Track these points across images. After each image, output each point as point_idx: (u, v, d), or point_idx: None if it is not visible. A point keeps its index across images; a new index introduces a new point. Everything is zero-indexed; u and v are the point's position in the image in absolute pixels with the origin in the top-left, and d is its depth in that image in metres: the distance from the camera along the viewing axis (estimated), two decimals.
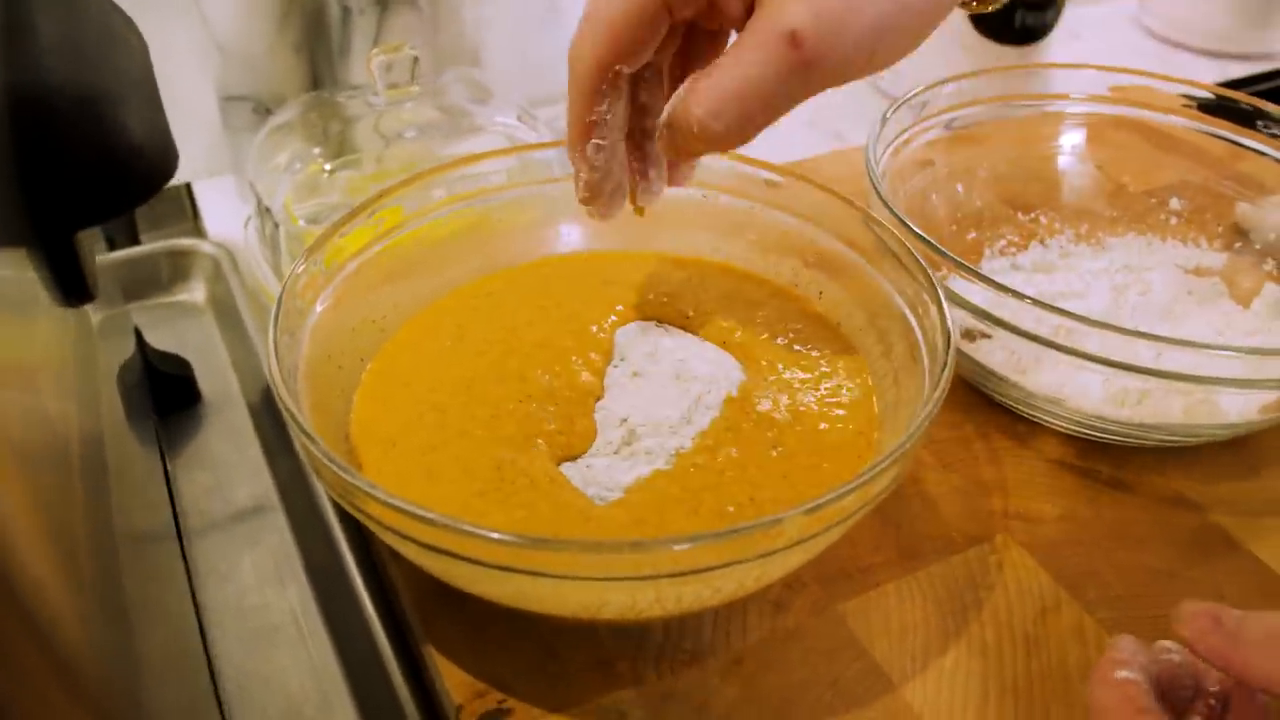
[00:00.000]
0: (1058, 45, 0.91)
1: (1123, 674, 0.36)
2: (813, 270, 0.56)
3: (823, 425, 0.49)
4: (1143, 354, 0.49)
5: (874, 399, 0.51)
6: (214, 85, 0.75)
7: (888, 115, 0.61)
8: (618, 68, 0.44)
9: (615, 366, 0.52)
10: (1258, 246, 0.65)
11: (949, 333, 0.46)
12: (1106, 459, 0.55)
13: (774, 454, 0.47)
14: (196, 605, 0.52)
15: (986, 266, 0.65)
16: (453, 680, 0.44)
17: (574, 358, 0.52)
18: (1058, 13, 0.89)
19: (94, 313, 0.49)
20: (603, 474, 0.47)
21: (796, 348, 0.53)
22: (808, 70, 0.40)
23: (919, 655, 0.46)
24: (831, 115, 0.93)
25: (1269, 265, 0.64)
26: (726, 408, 0.49)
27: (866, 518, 0.42)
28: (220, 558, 0.55)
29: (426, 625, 0.47)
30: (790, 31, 0.39)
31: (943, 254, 0.52)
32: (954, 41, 0.88)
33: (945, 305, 0.47)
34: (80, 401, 0.43)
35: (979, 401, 0.59)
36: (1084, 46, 1.02)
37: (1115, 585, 0.49)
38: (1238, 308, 0.62)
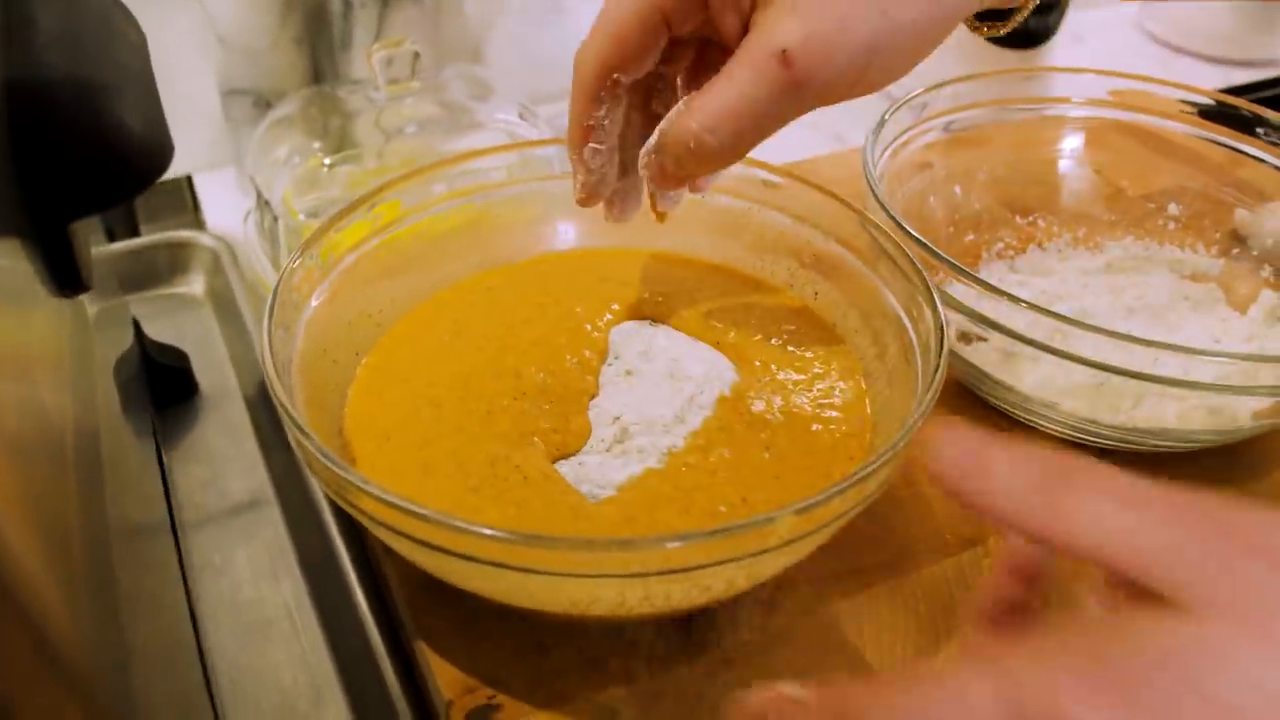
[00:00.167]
0: (1060, 49, 0.91)
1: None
2: (809, 271, 0.56)
3: (815, 426, 0.49)
4: (1137, 359, 0.49)
5: (867, 401, 0.51)
6: (215, 78, 0.75)
7: (886, 117, 0.61)
8: (616, 76, 0.45)
9: (609, 365, 0.52)
10: (1255, 253, 0.66)
11: (943, 334, 0.46)
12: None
13: (766, 455, 0.47)
14: (191, 598, 0.52)
15: (984, 269, 0.66)
16: (443, 676, 0.44)
17: (569, 356, 0.52)
18: (1060, 16, 0.89)
19: (92, 304, 0.49)
20: (595, 471, 0.47)
21: (790, 348, 0.53)
22: (799, 89, 0.40)
23: (910, 657, 0.46)
24: (832, 117, 0.91)
25: (1266, 272, 0.64)
26: (719, 407, 0.49)
27: (859, 519, 0.42)
28: (215, 551, 0.55)
29: (418, 620, 0.47)
30: (781, 50, 0.40)
31: (938, 257, 0.52)
32: (955, 44, 0.87)
33: (939, 307, 0.47)
34: (76, 393, 0.43)
35: (973, 404, 0.59)
36: (1086, 50, 1.02)
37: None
38: (1234, 314, 0.62)
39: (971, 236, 0.67)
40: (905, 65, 0.43)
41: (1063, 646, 0.27)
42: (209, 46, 0.73)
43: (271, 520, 0.56)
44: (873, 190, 0.55)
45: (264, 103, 0.74)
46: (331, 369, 0.51)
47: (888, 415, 0.49)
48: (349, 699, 0.48)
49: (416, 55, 0.66)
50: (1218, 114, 0.67)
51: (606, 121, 0.46)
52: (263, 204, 0.66)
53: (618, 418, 0.49)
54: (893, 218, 0.53)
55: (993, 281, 0.63)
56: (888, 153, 0.62)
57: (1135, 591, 0.28)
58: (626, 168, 0.50)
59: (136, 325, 0.60)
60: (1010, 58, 0.87)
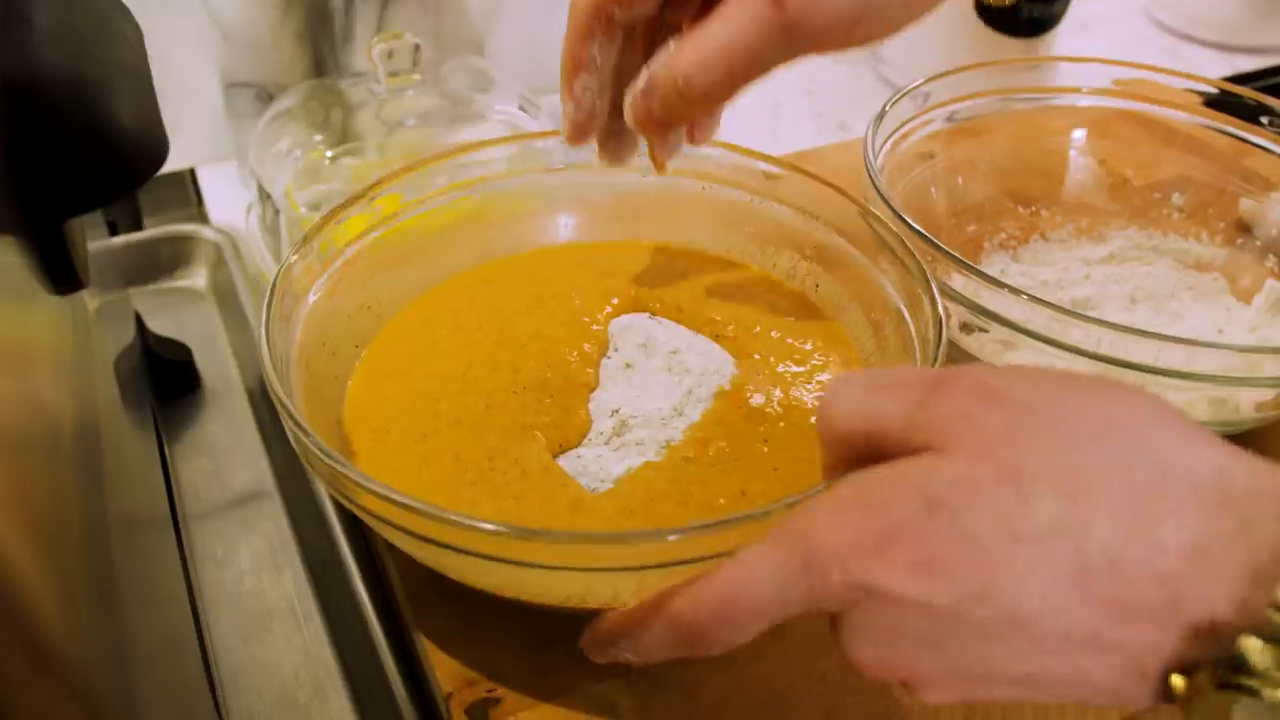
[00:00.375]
0: (1065, 38, 0.91)
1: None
2: (810, 263, 0.56)
3: (814, 420, 0.49)
4: (1138, 350, 0.49)
5: None
6: (218, 71, 0.75)
7: (887, 107, 0.61)
8: (611, 10, 0.45)
9: (609, 358, 0.52)
10: (1259, 243, 0.65)
11: (941, 328, 0.45)
12: None
13: (764, 448, 0.47)
14: (193, 591, 0.53)
15: (986, 260, 0.65)
16: (443, 669, 0.45)
17: (568, 349, 0.52)
18: (1066, 4, 0.88)
19: (95, 298, 0.49)
20: (593, 464, 0.47)
21: (790, 341, 0.53)
22: (790, 31, 0.40)
23: None
24: (836, 106, 0.92)
25: (1271, 261, 0.64)
26: (718, 400, 0.49)
27: None
28: (217, 543, 0.55)
29: (418, 613, 0.47)
30: None
31: (938, 248, 0.52)
32: (959, 33, 0.87)
33: (938, 299, 0.47)
34: (76, 387, 0.43)
35: None
36: (1092, 39, 1.02)
37: None
38: (1238, 303, 0.62)
39: (974, 227, 0.67)
40: (900, 19, 0.43)
41: (839, 500, 0.31)
42: (211, 40, 0.73)
43: (273, 512, 0.57)
44: (873, 181, 0.55)
45: (266, 96, 0.74)
46: (330, 361, 0.51)
47: None
48: (350, 691, 0.49)
49: (417, 48, 0.66)
50: (1223, 103, 0.67)
51: (599, 58, 0.46)
52: (264, 197, 0.66)
53: (616, 410, 0.49)
54: (893, 209, 0.53)
55: (995, 272, 0.63)
56: (889, 143, 0.62)
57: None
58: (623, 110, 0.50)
59: (139, 319, 0.60)
60: (1014, 46, 0.87)
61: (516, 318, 0.54)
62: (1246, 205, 0.66)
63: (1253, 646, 0.26)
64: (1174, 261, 0.65)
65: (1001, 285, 0.50)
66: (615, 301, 0.55)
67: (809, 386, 0.51)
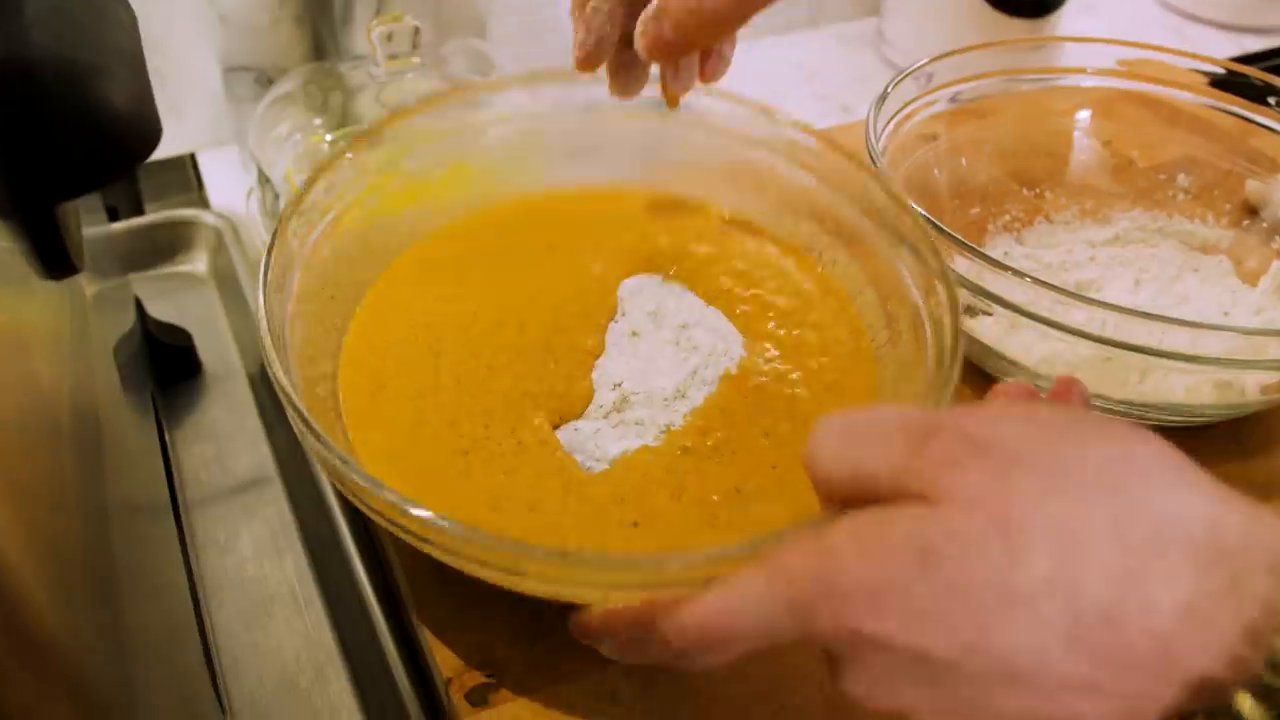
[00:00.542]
0: (1070, 18, 0.90)
1: None
2: (830, 237, 0.55)
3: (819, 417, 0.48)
4: (1143, 333, 0.48)
5: (876, 392, 0.50)
6: (217, 55, 0.74)
7: (889, 89, 0.60)
8: None
9: (616, 322, 0.51)
10: (1265, 224, 0.65)
11: (958, 336, 0.44)
12: None
13: (765, 441, 0.47)
14: (194, 577, 0.53)
15: (990, 243, 0.65)
16: (442, 654, 0.44)
17: (576, 309, 0.50)
18: None
19: (93, 284, 0.48)
20: (590, 440, 0.46)
21: (803, 328, 0.52)
22: None
23: None
24: (838, 88, 0.92)
25: (1277, 243, 0.64)
26: (723, 384, 0.49)
27: None
28: (219, 529, 0.55)
29: (419, 599, 0.47)
30: None
31: (940, 230, 0.51)
32: (963, 14, 0.87)
33: (960, 316, 0.45)
34: (74, 373, 0.43)
35: (978, 378, 0.58)
36: (1098, 19, 1.01)
37: None
38: (1244, 286, 0.62)
39: (977, 209, 0.66)
40: None
41: (832, 545, 0.31)
42: (210, 24, 0.73)
43: (275, 498, 0.57)
44: (875, 163, 0.55)
45: (266, 80, 0.74)
46: (329, 307, 0.50)
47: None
48: (351, 676, 0.49)
49: (417, 30, 0.66)
50: (1229, 83, 0.66)
51: None
52: (264, 181, 0.66)
53: (619, 384, 0.48)
54: (894, 193, 0.52)
55: (999, 255, 0.62)
56: (892, 124, 0.61)
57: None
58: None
59: (139, 304, 0.60)
60: (1018, 26, 0.86)
61: (525, 269, 0.52)
62: (1252, 186, 0.66)
63: (1246, 703, 0.27)
64: (1179, 244, 0.65)
65: (1005, 268, 0.49)
66: (628, 259, 0.53)
67: (818, 380, 0.50)
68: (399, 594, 0.48)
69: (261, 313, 0.44)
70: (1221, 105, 0.67)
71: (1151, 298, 0.59)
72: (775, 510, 0.44)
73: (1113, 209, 0.67)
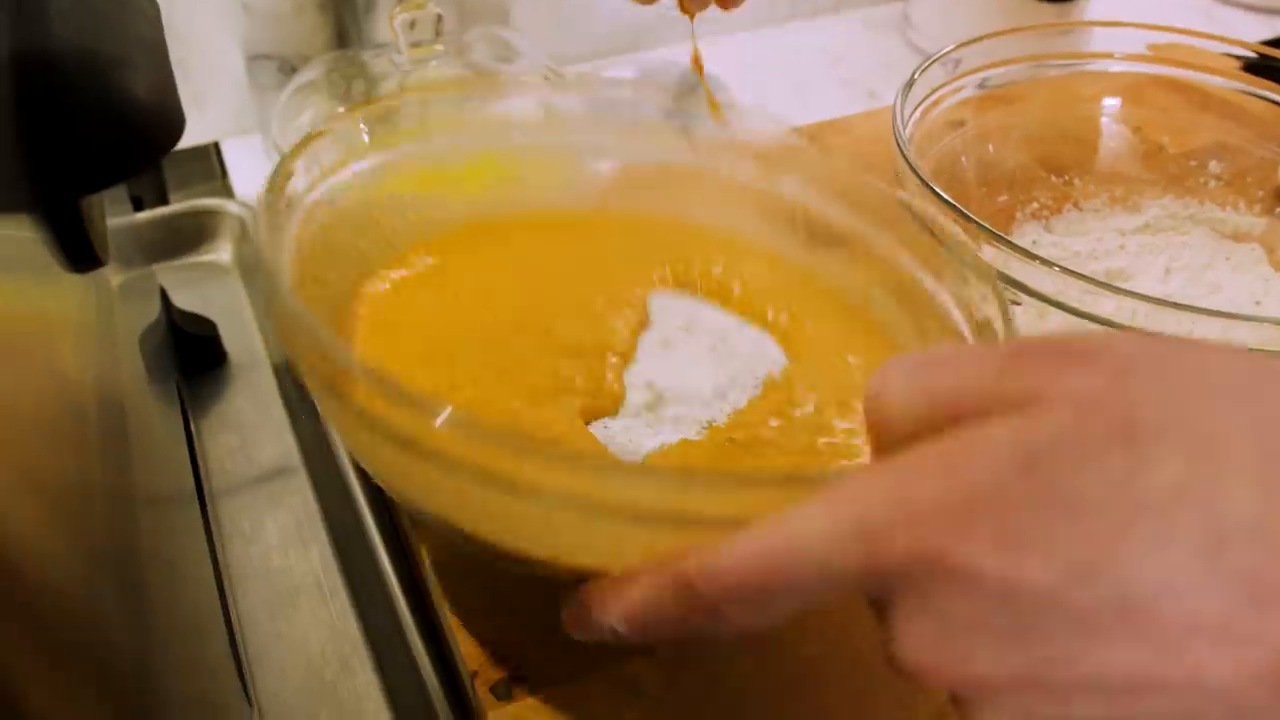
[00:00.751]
0: (1099, 2, 0.89)
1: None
2: (868, 277, 0.51)
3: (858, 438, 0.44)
4: (1173, 322, 0.48)
5: None
6: (240, 43, 0.74)
7: (916, 76, 0.60)
8: None
9: (647, 334, 0.48)
10: None
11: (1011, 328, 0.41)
12: None
13: (823, 439, 0.42)
14: (220, 566, 0.53)
15: (1018, 231, 0.64)
16: (468, 645, 0.44)
17: (604, 319, 0.47)
18: None
19: (118, 274, 0.48)
20: (620, 435, 0.43)
21: (848, 345, 0.48)
22: None
23: None
24: (865, 74, 0.91)
25: None
26: (767, 391, 0.45)
27: None
28: (244, 519, 0.55)
29: (445, 590, 0.47)
30: None
31: (968, 218, 0.51)
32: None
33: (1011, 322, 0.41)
34: (100, 364, 0.43)
35: None
36: (1127, 2, 1.00)
37: None
38: (1276, 274, 0.61)
39: (1005, 197, 0.66)
40: None
41: (908, 461, 0.25)
42: (233, 12, 0.73)
43: (300, 487, 0.57)
44: (901, 151, 0.54)
45: (289, 68, 0.74)
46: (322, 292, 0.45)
47: None
48: (376, 667, 0.49)
49: (439, 18, 0.66)
50: (1261, 67, 0.65)
51: None
52: None
53: (652, 384, 0.45)
54: (922, 180, 0.52)
55: (1027, 243, 0.62)
56: (919, 111, 0.61)
57: None
58: None
59: (164, 294, 0.60)
60: (1046, 10, 0.85)
61: (552, 280, 0.49)
62: None
63: None
64: (1210, 231, 0.64)
65: (1033, 257, 0.49)
66: (659, 278, 0.50)
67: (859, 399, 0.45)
68: (424, 585, 0.48)
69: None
70: (1253, 90, 0.66)
71: (1182, 286, 0.59)
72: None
73: (1143, 196, 0.66)
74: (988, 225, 0.50)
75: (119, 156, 0.32)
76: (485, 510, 0.34)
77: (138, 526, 0.39)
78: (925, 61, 0.61)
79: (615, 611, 0.31)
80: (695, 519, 0.30)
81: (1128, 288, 0.48)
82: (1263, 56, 0.65)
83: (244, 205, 0.70)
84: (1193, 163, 0.67)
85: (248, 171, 0.77)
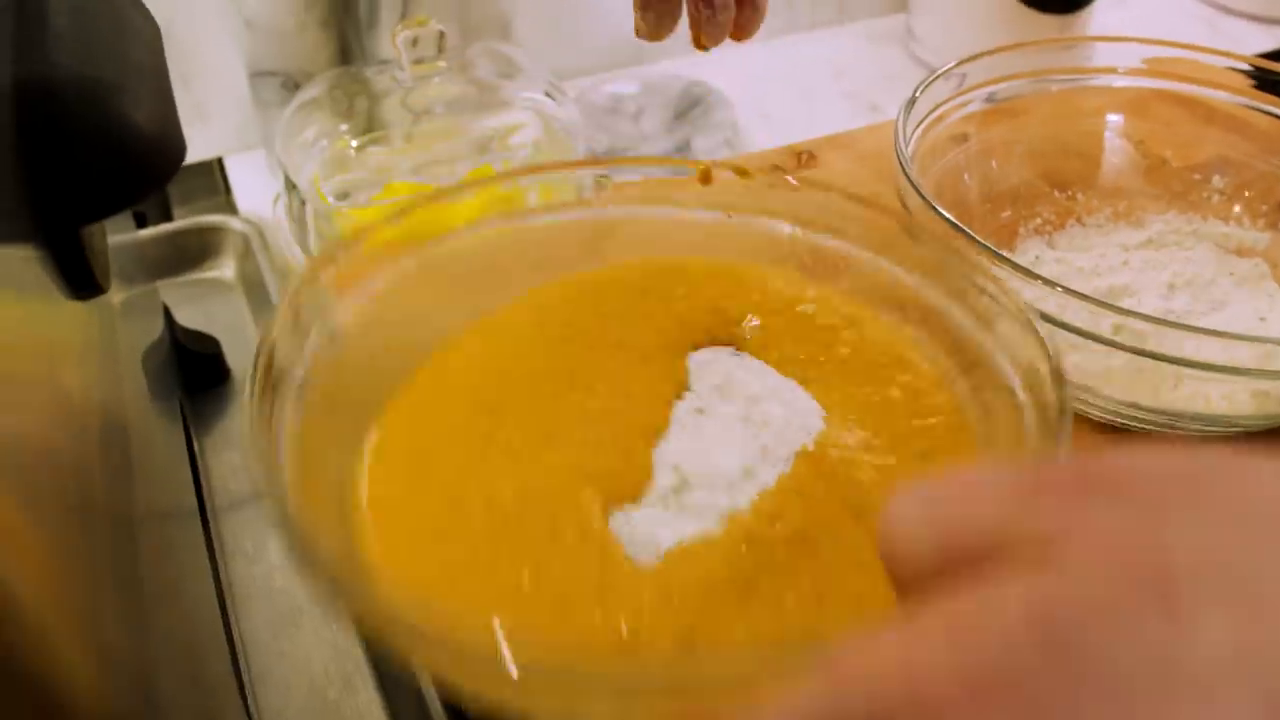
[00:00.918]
0: (1101, 13, 0.89)
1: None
2: (913, 327, 0.48)
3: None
4: (1173, 342, 0.48)
5: (977, 456, 0.43)
6: (243, 60, 0.75)
7: (918, 93, 0.60)
8: None
9: (683, 399, 0.45)
10: None
11: (1065, 408, 0.37)
12: None
13: (851, 525, 0.39)
14: (222, 585, 0.53)
15: (1021, 246, 0.64)
16: None
17: (642, 384, 0.45)
18: None
19: (120, 292, 0.49)
20: (640, 526, 0.40)
21: (888, 394, 0.45)
22: None
23: None
24: (868, 87, 0.91)
25: None
26: (798, 462, 0.42)
27: None
28: (247, 538, 0.55)
29: None
30: None
31: (969, 236, 0.51)
32: (993, 10, 0.86)
33: (1067, 395, 0.38)
34: (102, 383, 0.43)
35: None
36: (1129, 14, 1.00)
37: None
38: None
39: (1008, 213, 0.66)
40: None
41: (915, 630, 0.22)
42: (236, 28, 0.73)
43: None
44: (903, 168, 0.54)
45: (292, 84, 0.74)
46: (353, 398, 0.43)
47: None
48: (379, 686, 0.49)
49: (442, 34, 0.66)
50: (1265, 81, 0.65)
51: None
52: (291, 187, 0.66)
53: (678, 466, 0.42)
54: (924, 198, 0.52)
55: (1030, 259, 0.62)
56: (921, 127, 0.61)
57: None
58: None
59: (167, 312, 0.60)
60: (1049, 22, 0.85)
61: (586, 338, 0.47)
62: None
63: None
64: (1214, 246, 0.64)
65: (1035, 276, 0.49)
66: (691, 334, 0.47)
67: (905, 450, 0.43)
68: None
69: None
70: (1257, 104, 0.66)
71: (1186, 303, 0.59)
72: (865, 606, 0.36)
73: (1146, 211, 0.66)
74: (989, 244, 0.50)
75: (119, 185, 0.32)
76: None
77: (139, 545, 0.39)
78: (927, 78, 0.61)
79: None
80: (697, 687, 0.29)
81: (1131, 304, 0.48)
82: (1259, 69, 0.65)
83: (247, 222, 0.70)
84: (1196, 177, 0.67)
85: (251, 187, 0.77)
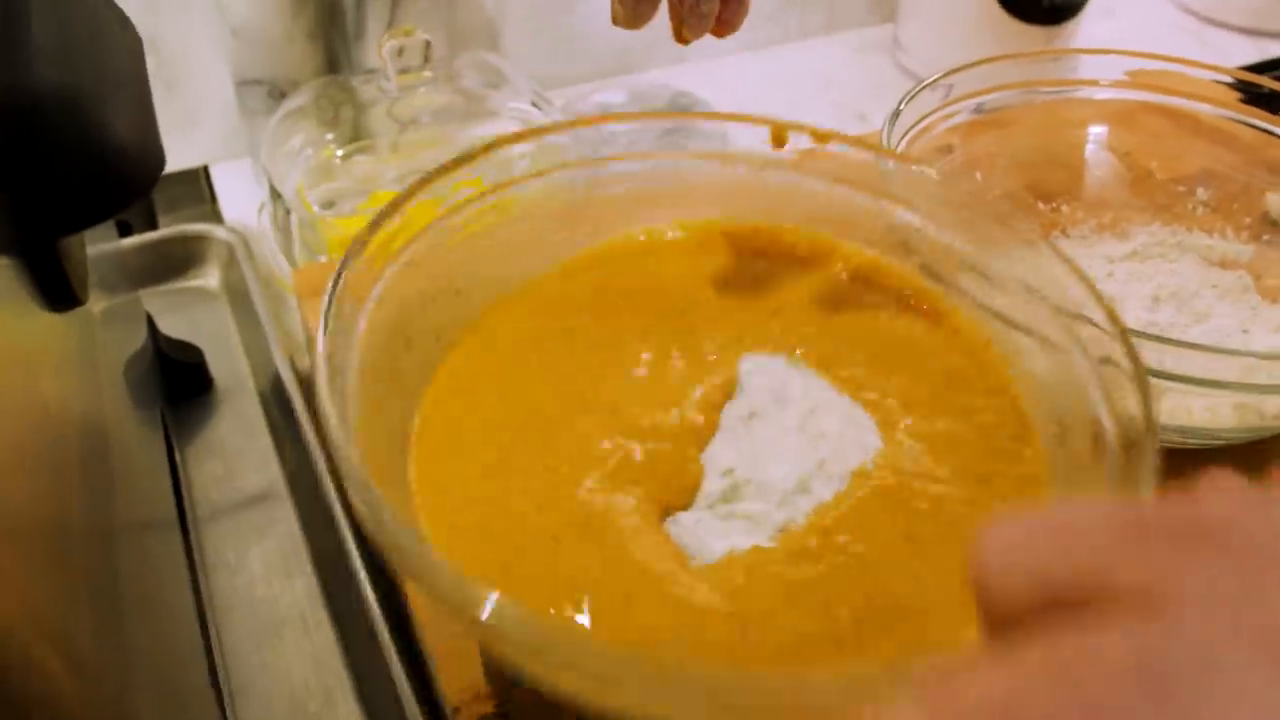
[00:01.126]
0: (1089, 24, 0.89)
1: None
2: (994, 323, 0.47)
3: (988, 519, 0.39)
4: (1154, 355, 0.48)
5: (1044, 486, 0.41)
6: (230, 68, 0.74)
7: (902, 106, 0.60)
8: None
9: (734, 401, 0.44)
10: None
11: (1154, 430, 0.36)
12: None
13: (906, 547, 0.39)
14: (203, 597, 0.52)
15: None
16: (452, 681, 0.44)
17: (687, 385, 0.44)
18: None
19: (101, 300, 0.48)
20: (690, 531, 0.39)
21: (950, 416, 0.44)
22: None
23: None
24: (855, 96, 0.91)
25: None
26: (855, 481, 0.41)
27: None
28: (228, 548, 0.55)
29: (429, 623, 0.46)
30: None
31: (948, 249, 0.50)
32: (980, 21, 0.86)
33: (1146, 378, 0.37)
34: (82, 392, 0.43)
35: None
36: (1117, 25, 1.00)
37: None
38: (1264, 302, 0.61)
39: None
40: None
41: (1017, 664, 0.22)
42: (223, 37, 0.73)
43: (284, 516, 0.56)
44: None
45: (279, 93, 0.74)
46: (404, 355, 0.43)
47: None
48: (359, 700, 0.48)
49: (428, 44, 0.66)
50: (1249, 93, 0.65)
51: None
52: (276, 196, 0.66)
53: (730, 470, 0.41)
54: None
55: None
56: (906, 138, 0.61)
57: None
58: None
59: (150, 321, 0.60)
60: (1036, 34, 0.86)
61: (631, 338, 0.46)
62: (1273, 200, 0.65)
63: None
64: (1199, 258, 0.64)
65: (1015, 290, 0.49)
66: (746, 338, 0.46)
67: (967, 477, 0.41)
68: (409, 619, 0.48)
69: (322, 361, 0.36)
70: (1242, 118, 0.66)
71: (1170, 315, 0.59)
72: (921, 633, 0.36)
73: (1131, 223, 0.66)
74: (970, 255, 0.50)
75: (97, 198, 0.32)
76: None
77: (118, 556, 0.39)
78: (912, 89, 0.61)
79: None
80: (794, 707, 0.29)
81: None
82: (1249, 83, 0.65)
83: (232, 231, 0.70)
84: (1181, 189, 0.67)
85: (236, 196, 0.77)
